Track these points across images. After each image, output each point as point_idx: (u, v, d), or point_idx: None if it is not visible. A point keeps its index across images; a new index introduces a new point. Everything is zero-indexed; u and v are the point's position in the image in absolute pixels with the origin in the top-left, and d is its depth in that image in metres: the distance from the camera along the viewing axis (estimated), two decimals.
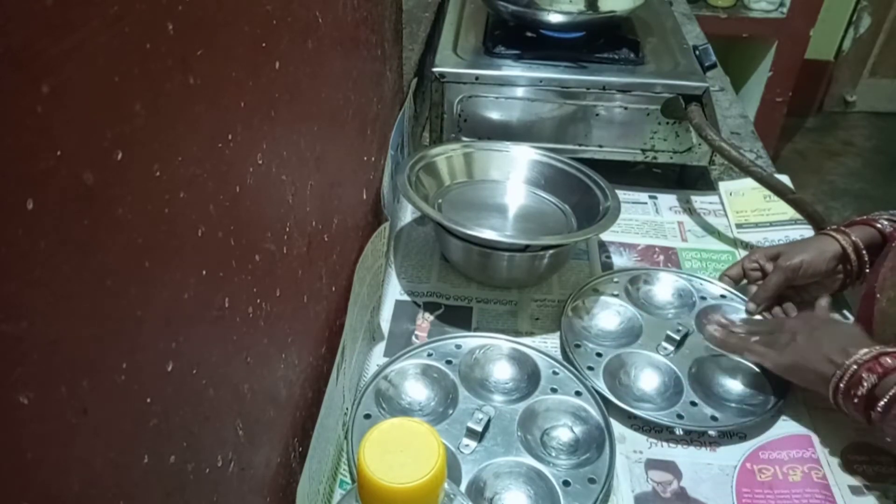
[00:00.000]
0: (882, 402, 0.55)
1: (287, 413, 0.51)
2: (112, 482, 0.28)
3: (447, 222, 0.75)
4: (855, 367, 0.57)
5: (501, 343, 0.73)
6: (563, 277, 0.84)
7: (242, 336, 0.40)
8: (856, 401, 0.57)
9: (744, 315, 0.76)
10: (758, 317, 0.76)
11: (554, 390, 0.67)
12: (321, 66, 0.51)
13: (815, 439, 0.65)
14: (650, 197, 0.99)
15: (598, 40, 0.97)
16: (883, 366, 0.56)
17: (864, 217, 0.76)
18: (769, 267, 0.77)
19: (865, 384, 0.56)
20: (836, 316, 0.75)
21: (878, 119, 2.88)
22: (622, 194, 0.86)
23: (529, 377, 0.69)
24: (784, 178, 0.86)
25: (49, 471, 0.24)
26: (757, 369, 0.69)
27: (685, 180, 1.01)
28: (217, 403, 0.38)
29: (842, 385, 0.58)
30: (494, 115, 0.94)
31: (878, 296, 0.67)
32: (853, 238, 0.73)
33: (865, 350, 0.58)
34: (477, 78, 0.91)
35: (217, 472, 0.38)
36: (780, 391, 0.67)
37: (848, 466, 0.63)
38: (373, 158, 0.73)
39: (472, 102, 0.93)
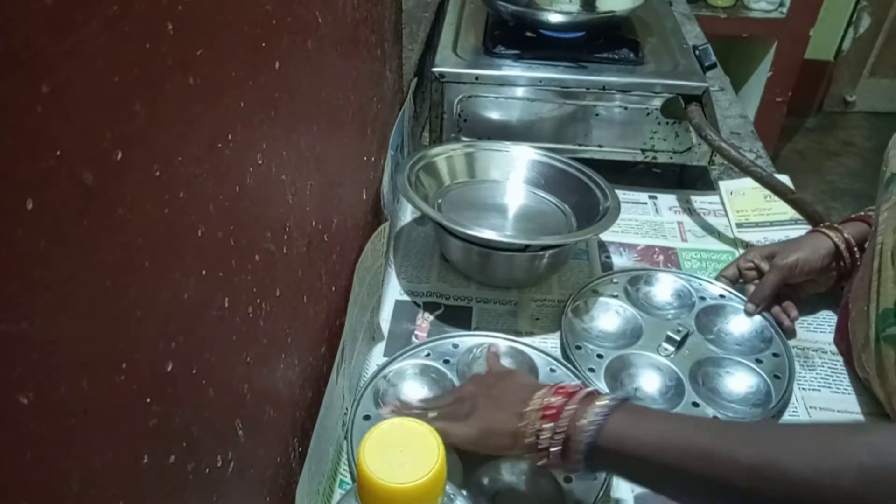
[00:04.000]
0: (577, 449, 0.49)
1: (287, 413, 0.51)
2: (112, 482, 0.28)
3: (447, 222, 0.75)
4: (539, 407, 0.52)
5: (499, 342, 0.73)
6: (562, 277, 0.84)
7: (242, 336, 0.40)
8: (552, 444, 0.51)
9: (743, 316, 0.76)
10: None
11: None
12: (321, 66, 0.51)
13: None
14: (650, 197, 0.99)
15: (598, 40, 0.97)
16: (564, 388, 0.52)
17: (859, 213, 0.76)
18: (765, 266, 0.77)
19: (554, 405, 0.51)
20: (508, 366, 0.68)
21: (878, 119, 2.88)
22: (622, 194, 0.86)
23: (527, 375, 0.69)
24: (784, 178, 0.86)
25: (49, 471, 0.24)
26: (757, 369, 0.70)
27: (685, 180, 1.01)
28: (217, 403, 0.38)
29: (530, 429, 0.52)
30: (494, 115, 0.94)
31: (851, 306, 0.67)
32: (845, 235, 0.73)
33: (542, 391, 0.53)
34: (477, 78, 0.91)
35: (217, 472, 0.38)
36: (780, 391, 0.67)
37: None
38: (373, 158, 0.73)
39: (471, 102, 0.93)
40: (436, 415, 0.58)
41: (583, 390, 0.52)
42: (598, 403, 0.50)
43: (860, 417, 0.67)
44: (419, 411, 0.60)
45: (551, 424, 0.50)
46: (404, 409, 0.62)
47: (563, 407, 0.51)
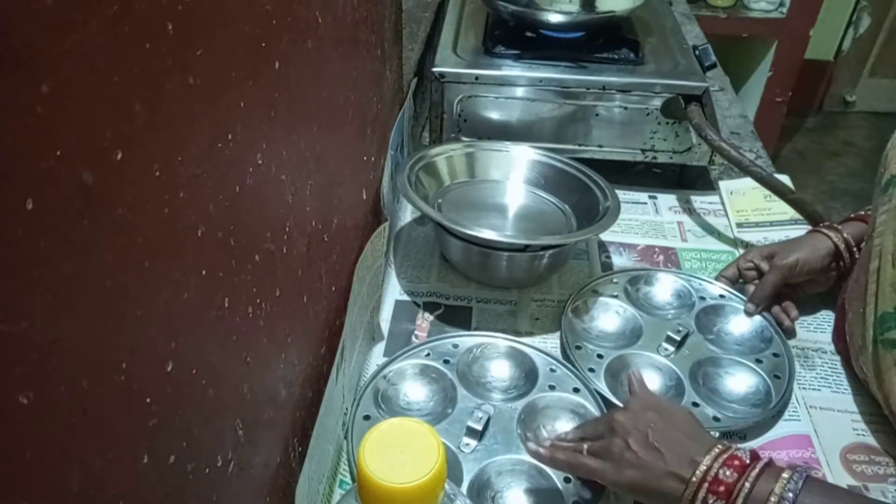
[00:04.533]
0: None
1: (287, 413, 0.51)
2: (112, 482, 0.28)
3: (447, 222, 0.75)
4: (708, 479, 0.49)
5: (498, 342, 0.73)
6: (562, 277, 0.84)
7: (242, 336, 0.40)
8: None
9: (743, 316, 0.76)
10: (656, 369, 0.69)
11: (552, 387, 0.67)
12: (321, 66, 0.51)
13: (815, 439, 0.65)
14: (650, 197, 0.99)
15: (598, 40, 0.97)
16: (738, 458, 0.50)
17: (858, 213, 0.76)
18: (764, 266, 0.77)
19: (725, 482, 0.49)
20: (663, 399, 0.61)
21: (878, 119, 2.88)
22: (622, 194, 0.86)
23: (527, 375, 0.69)
24: (784, 178, 0.86)
25: (49, 471, 0.24)
26: (757, 369, 0.70)
27: (685, 180, 1.01)
28: (217, 403, 0.38)
29: (697, 501, 0.50)
30: (494, 115, 0.94)
31: (847, 308, 0.67)
32: (845, 235, 0.73)
33: (710, 456, 0.50)
34: (477, 78, 0.91)
35: (217, 472, 0.38)
36: (780, 391, 0.67)
37: (847, 466, 0.63)
38: (373, 158, 0.73)
39: (471, 102, 0.93)
40: (589, 447, 0.55)
41: (757, 463, 0.49)
42: (782, 484, 0.47)
43: (860, 417, 0.67)
44: (572, 445, 0.57)
45: (733, 472, 0.49)
46: (557, 445, 0.58)
47: (735, 486, 0.48)
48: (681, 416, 0.55)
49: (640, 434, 0.53)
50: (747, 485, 0.48)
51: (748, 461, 0.50)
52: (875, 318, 0.61)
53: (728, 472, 0.49)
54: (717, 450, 0.51)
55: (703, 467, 0.50)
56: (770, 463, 0.50)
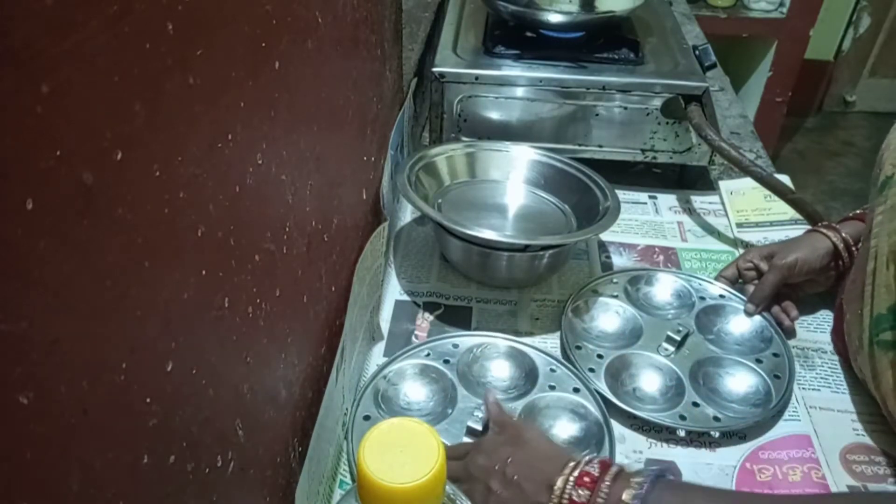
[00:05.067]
0: None
1: (287, 413, 0.51)
2: (112, 482, 0.28)
3: (447, 222, 0.75)
4: (564, 502, 0.49)
5: (498, 341, 0.73)
6: (562, 277, 0.84)
7: (242, 336, 0.40)
8: None
9: (743, 316, 0.76)
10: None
11: (552, 387, 0.67)
12: (321, 66, 0.51)
13: (815, 439, 0.65)
14: (650, 197, 0.99)
15: (598, 40, 0.97)
16: (589, 475, 0.50)
17: (857, 212, 0.76)
18: (764, 266, 0.77)
19: (579, 502, 0.49)
20: (515, 423, 0.60)
21: (878, 119, 2.88)
22: (622, 194, 0.86)
23: (527, 375, 0.69)
24: (784, 178, 0.86)
25: (49, 471, 0.24)
26: (757, 369, 0.70)
27: (685, 180, 1.01)
28: (217, 403, 0.38)
29: None
30: (494, 115, 0.94)
31: (845, 308, 0.67)
32: (843, 234, 0.73)
33: (562, 478, 0.50)
34: (477, 78, 0.91)
35: (217, 472, 0.38)
36: (780, 391, 0.67)
37: (847, 466, 0.63)
38: (373, 158, 0.73)
39: (471, 102, 0.93)
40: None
41: (608, 474, 0.49)
42: (629, 492, 0.47)
43: (860, 417, 0.67)
44: None
45: (585, 491, 0.49)
46: None
47: (589, 502, 0.48)
48: (533, 438, 0.55)
49: (498, 473, 0.52)
50: (600, 501, 0.48)
51: (597, 474, 0.49)
52: (871, 319, 0.61)
53: (580, 492, 0.49)
54: (567, 469, 0.50)
55: (557, 490, 0.49)
56: (620, 471, 0.50)
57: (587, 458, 0.51)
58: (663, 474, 0.49)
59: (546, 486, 0.50)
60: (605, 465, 0.50)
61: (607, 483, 0.48)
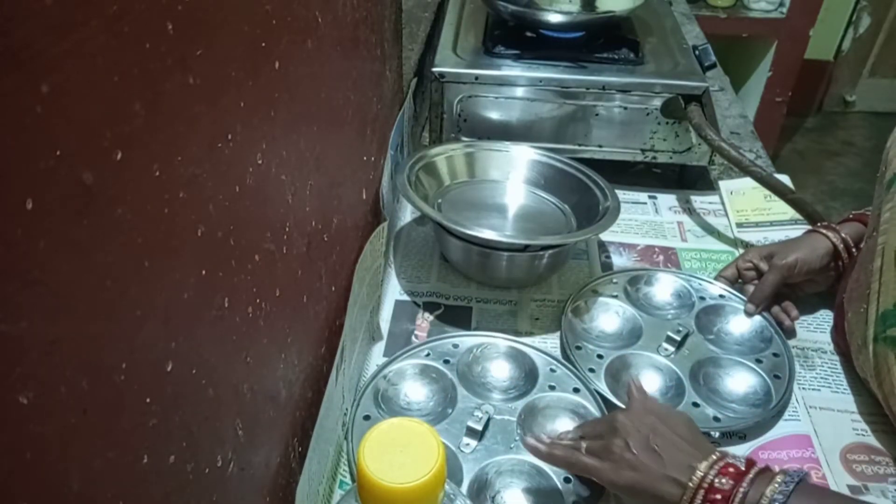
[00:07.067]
0: None
1: (287, 413, 0.51)
2: (112, 482, 0.28)
3: (447, 222, 0.75)
4: (704, 486, 0.50)
5: (498, 342, 0.73)
6: (562, 277, 0.84)
7: (242, 336, 0.40)
8: None
9: (743, 316, 0.76)
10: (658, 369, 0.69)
11: (552, 388, 0.67)
12: (321, 66, 0.51)
13: (815, 439, 0.65)
14: (650, 197, 0.99)
15: (598, 40, 0.97)
16: (734, 466, 0.51)
17: (856, 213, 0.76)
18: (764, 266, 0.77)
19: (721, 489, 0.49)
20: (664, 405, 0.60)
21: (878, 119, 2.88)
22: (622, 194, 0.86)
23: (527, 375, 0.69)
24: (784, 178, 0.86)
25: (49, 471, 0.24)
26: (757, 369, 0.70)
27: (685, 180, 1.01)
28: (217, 403, 0.38)
29: None
30: (494, 115, 0.94)
31: (846, 307, 0.67)
32: (843, 235, 0.74)
33: (707, 463, 0.51)
34: (476, 78, 0.91)
35: (217, 472, 0.38)
36: (780, 391, 0.67)
37: (847, 466, 0.63)
38: (372, 158, 0.73)
39: (471, 102, 0.93)
40: (588, 446, 0.55)
41: (753, 469, 0.50)
42: (773, 487, 0.48)
43: (860, 417, 0.67)
44: (570, 443, 0.57)
45: (728, 480, 0.49)
46: (555, 442, 0.57)
47: (731, 493, 0.49)
48: (682, 422, 0.56)
49: (640, 436, 0.53)
50: (741, 491, 0.49)
51: (743, 468, 0.50)
52: (877, 315, 0.61)
53: (724, 480, 0.50)
54: (714, 457, 0.51)
55: (699, 473, 0.50)
56: (766, 469, 0.50)
57: (732, 453, 0.52)
58: (807, 477, 0.50)
59: (686, 466, 0.51)
60: (751, 462, 0.51)
61: (751, 477, 0.49)
